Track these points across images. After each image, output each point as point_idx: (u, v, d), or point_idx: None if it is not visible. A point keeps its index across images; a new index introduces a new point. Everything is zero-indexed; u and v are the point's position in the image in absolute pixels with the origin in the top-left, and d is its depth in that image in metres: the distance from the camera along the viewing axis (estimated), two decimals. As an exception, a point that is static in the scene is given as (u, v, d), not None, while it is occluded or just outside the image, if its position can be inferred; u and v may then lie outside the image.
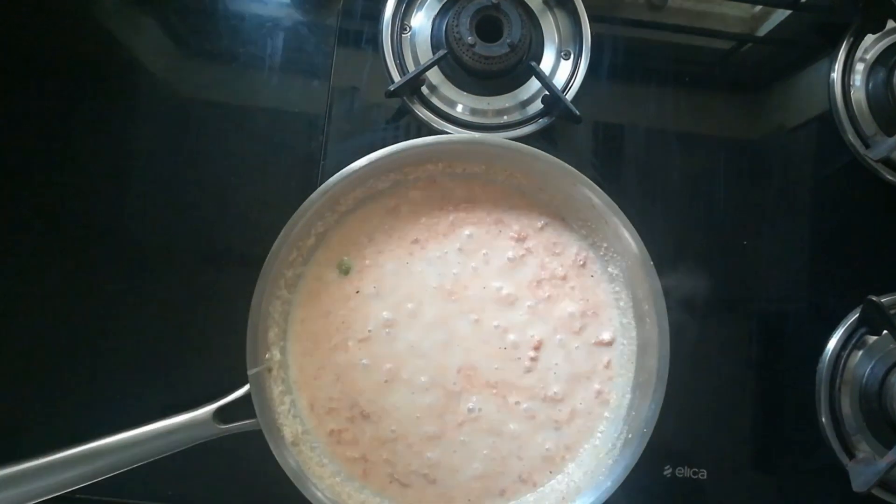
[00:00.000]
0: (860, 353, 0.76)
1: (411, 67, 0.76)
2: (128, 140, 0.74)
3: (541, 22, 0.79)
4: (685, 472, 0.73)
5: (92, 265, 0.72)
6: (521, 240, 0.70)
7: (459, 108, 0.77)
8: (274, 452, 0.61)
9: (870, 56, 0.83)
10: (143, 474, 0.62)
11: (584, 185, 0.67)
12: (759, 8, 0.85)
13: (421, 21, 0.78)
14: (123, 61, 0.76)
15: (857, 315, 0.76)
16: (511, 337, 0.68)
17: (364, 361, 0.67)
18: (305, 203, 0.64)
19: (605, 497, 0.62)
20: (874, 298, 0.73)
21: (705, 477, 0.73)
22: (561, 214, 0.71)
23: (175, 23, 0.78)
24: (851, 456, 0.73)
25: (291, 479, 0.61)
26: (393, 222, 0.69)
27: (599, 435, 0.68)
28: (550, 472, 0.67)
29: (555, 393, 0.68)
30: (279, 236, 0.63)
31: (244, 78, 0.77)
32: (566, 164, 0.66)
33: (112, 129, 0.74)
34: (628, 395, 0.67)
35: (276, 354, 0.65)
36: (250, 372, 0.62)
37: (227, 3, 0.78)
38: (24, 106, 0.74)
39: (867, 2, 0.79)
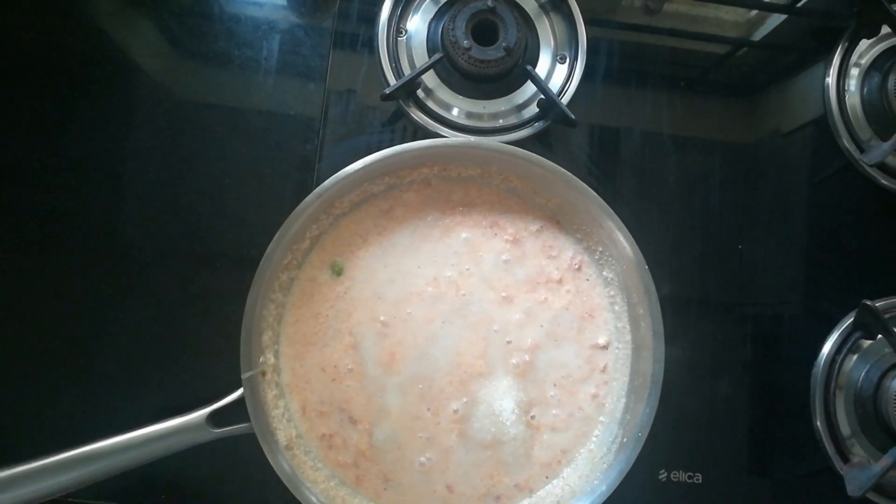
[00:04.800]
0: (855, 357, 0.76)
1: (407, 71, 0.76)
2: (123, 142, 0.74)
3: (536, 26, 0.79)
4: (680, 476, 0.73)
5: (86, 267, 0.72)
6: (516, 243, 0.70)
7: (455, 111, 0.77)
8: (268, 456, 0.60)
9: (864, 61, 0.83)
10: (136, 478, 0.62)
11: (579, 189, 0.67)
12: (754, 12, 0.86)
13: (417, 24, 0.78)
14: (119, 63, 0.76)
15: (852, 319, 0.76)
16: (506, 340, 0.68)
17: (354, 365, 0.66)
18: (300, 206, 0.63)
19: (600, 501, 0.62)
20: (869, 303, 0.73)
21: (700, 481, 0.73)
22: (556, 218, 0.71)
23: (171, 25, 0.78)
24: (846, 460, 0.73)
25: (285, 483, 0.60)
26: (387, 224, 0.69)
27: (595, 439, 0.68)
28: (546, 477, 0.67)
29: (550, 397, 0.68)
30: (274, 239, 0.63)
31: (240, 80, 0.77)
32: (561, 168, 0.66)
33: (107, 130, 0.74)
34: (623, 399, 0.67)
35: (270, 358, 0.65)
36: (244, 375, 0.61)
37: (223, 5, 0.78)
38: (20, 107, 0.74)
39: (862, 7, 0.80)
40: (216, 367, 0.68)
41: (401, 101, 0.75)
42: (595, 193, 0.66)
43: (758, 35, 0.85)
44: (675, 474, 0.73)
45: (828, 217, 0.81)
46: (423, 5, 0.79)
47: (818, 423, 0.74)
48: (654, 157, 0.79)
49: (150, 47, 0.77)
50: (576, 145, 0.78)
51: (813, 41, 0.85)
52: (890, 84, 0.79)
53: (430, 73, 0.76)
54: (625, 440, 0.64)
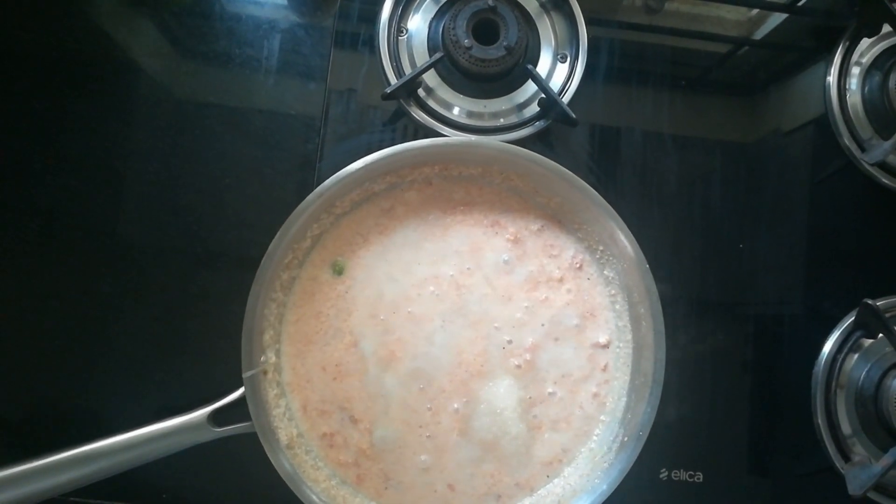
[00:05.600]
0: (856, 356, 0.76)
1: (408, 70, 0.76)
2: (123, 141, 0.74)
3: (537, 25, 0.79)
4: (681, 475, 0.73)
5: (87, 267, 0.72)
6: (517, 242, 0.70)
7: (456, 110, 0.77)
8: (269, 456, 0.60)
9: (866, 60, 0.83)
10: (137, 477, 0.62)
11: (580, 189, 0.67)
12: (755, 11, 0.86)
13: (417, 23, 0.78)
14: (119, 62, 0.76)
15: (853, 318, 0.76)
16: (507, 339, 0.68)
17: (355, 363, 0.66)
18: (301, 205, 0.63)
19: (601, 500, 0.62)
20: (870, 302, 0.73)
21: (701, 480, 0.73)
22: (557, 217, 0.71)
23: (171, 24, 0.78)
24: (847, 459, 0.73)
25: (286, 482, 0.60)
26: (388, 223, 0.69)
27: (596, 438, 0.68)
28: (547, 476, 0.67)
29: (551, 395, 0.68)
30: (275, 239, 0.63)
31: (241, 80, 0.76)
32: (562, 167, 0.67)
33: (108, 130, 0.74)
34: (624, 398, 0.67)
35: (272, 357, 0.65)
36: (245, 374, 0.61)
37: (223, 4, 0.78)
38: (19, 107, 0.74)
39: (863, 5, 0.80)
40: (217, 366, 0.68)
41: (402, 100, 0.75)
42: (596, 193, 0.66)
43: (759, 34, 0.85)
44: (676, 473, 0.73)
45: (828, 216, 0.81)
46: (424, 4, 0.79)
47: (819, 423, 0.74)
48: (654, 156, 0.79)
49: (150, 47, 0.77)
50: (577, 144, 0.78)
51: (814, 40, 0.85)
52: (891, 83, 0.79)
53: (431, 72, 0.76)
54: (626, 439, 0.64)
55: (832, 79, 0.82)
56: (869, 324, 0.74)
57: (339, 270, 0.68)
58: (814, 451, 0.74)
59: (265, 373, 0.64)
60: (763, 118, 0.83)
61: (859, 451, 0.73)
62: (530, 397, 0.67)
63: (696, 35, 0.84)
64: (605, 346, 0.69)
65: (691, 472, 0.73)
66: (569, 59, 0.78)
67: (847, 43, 0.83)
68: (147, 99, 0.75)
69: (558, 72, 0.78)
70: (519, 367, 0.68)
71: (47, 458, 0.60)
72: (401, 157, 0.66)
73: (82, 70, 0.75)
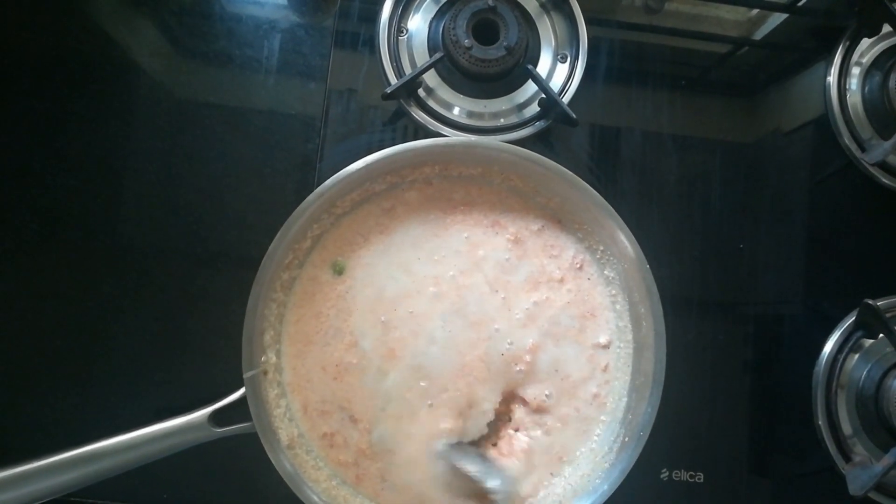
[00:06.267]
0: (857, 356, 0.76)
1: (408, 70, 0.76)
2: (123, 141, 0.74)
3: (537, 25, 0.79)
4: (682, 475, 0.73)
5: (87, 267, 0.72)
6: (517, 242, 0.70)
7: (456, 110, 0.77)
8: (270, 456, 0.60)
9: (866, 60, 0.83)
10: (138, 477, 0.62)
11: (580, 189, 0.67)
12: (755, 11, 0.86)
13: (418, 24, 0.78)
14: (119, 62, 0.76)
15: (854, 318, 0.76)
16: (507, 339, 0.68)
17: (355, 363, 0.66)
18: (301, 206, 0.63)
19: (601, 501, 0.62)
20: (870, 302, 0.73)
21: (702, 480, 0.73)
22: (557, 217, 0.71)
23: (172, 24, 0.78)
24: (848, 459, 0.73)
25: (287, 482, 0.60)
26: (388, 223, 0.69)
27: (596, 438, 0.68)
28: (549, 476, 0.67)
29: (551, 396, 0.68)
30: (275, 239, 0.63)
31: (241, 80, 0.76)
32: (562, 168, 0.67)
33: (108, 130, 0.74)
34: (625, 399, 0.67)
35: (272, 357, 0.65)
36: (246, 375, 0.61)
37: (223, 4, 0.78)
38: (20, 106, 0.74)
39: (863, 6, 0.80)
40: (217, 366, 0.68)
41: (402, 100, 0.75)
42: (596, 193, 0.66)
43: (759, 34, 0.85)
44: (676, 473, 0.73)
45: (828, 216, 0.81)
46: (424, 4, 0.79)
47: (820, 423, 0.74)
48: (654, 156, 0.79)
49: (150, 47, 0.77)
50: (577, 144, 0.78)
51: (814, 40, 0.85)
52: (891, 83, 0.79)
53: (431, 72, 0.76)
54: (626, 439, 0.64)
55: (832, 79, 0.82)
56: (869, 324, 0.75)
57: (339, 270, 0.68)
58: (814, 452, 0.74)
59: (266, 373, 0.64)
60: (763, 118, 0.83)
61: (860, 451, 0.73)
62: (531, 398, 0.67)
63: (696, 35, 0.84)
64: (606, 347, 0.69)
65: (692, 473, 0.73)
66: (569, 59, 0.78)
67: (847, 43, 0.83)
68: (147, 99, 0.75)
69: (558, 72, 0.78)
70: (519, 367, 0.67)
71: (48, 458, 0.59)
72: (401, 157, 0.66)
73: (82, 70, 0.75)
